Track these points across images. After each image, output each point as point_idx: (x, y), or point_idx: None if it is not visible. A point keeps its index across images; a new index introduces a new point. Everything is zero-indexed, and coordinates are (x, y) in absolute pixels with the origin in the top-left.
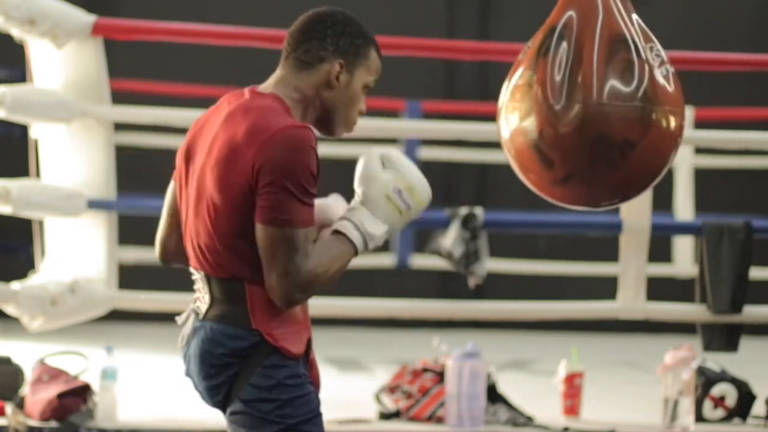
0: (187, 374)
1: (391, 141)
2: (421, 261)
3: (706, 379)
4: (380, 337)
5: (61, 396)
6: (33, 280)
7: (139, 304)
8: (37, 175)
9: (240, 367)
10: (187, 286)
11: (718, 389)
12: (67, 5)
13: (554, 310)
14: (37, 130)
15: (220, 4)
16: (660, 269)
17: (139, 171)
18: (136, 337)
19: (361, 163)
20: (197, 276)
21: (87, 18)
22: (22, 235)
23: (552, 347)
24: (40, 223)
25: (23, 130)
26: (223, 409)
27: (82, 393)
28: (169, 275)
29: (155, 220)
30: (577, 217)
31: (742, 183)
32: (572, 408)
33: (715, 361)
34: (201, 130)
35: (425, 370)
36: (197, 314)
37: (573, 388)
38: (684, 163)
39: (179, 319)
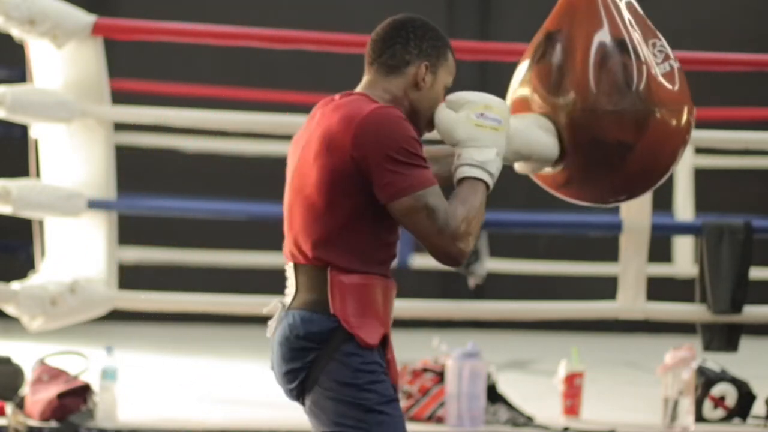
0: (272, 367)
1: None
2: (421, 261)
3: (706, 379)
4: None
5: (61, 396)
6: (33, 280)
7: (139, 304)
8: (37, 175)
9: (317, 354)
10: (187, 286)
11: (718, 389)
12: (67, 5)
13: (554, 310)
14: (37, 130)
15: (220, 4)
16: (660, 269)
17: (139, 171)
18: (136, 337)
19: (437, 122)
20: (287, 268)
21: (87, 18)
22: (22, 235)
23: (552, 347)
24: (40, 223)
25: (23, 130)
26: (298, 399)
27: (82, 393)
28: (170, 275)
29: (155, 220)
30: (577, 217)
31: (742, 183)
32: (572, 408)
33: (715, 361)
34: (299, 139)
35: (425, 370)
36: (284, 306)
37: (573, 388)
38: (684, 163)
39: (266, 310)
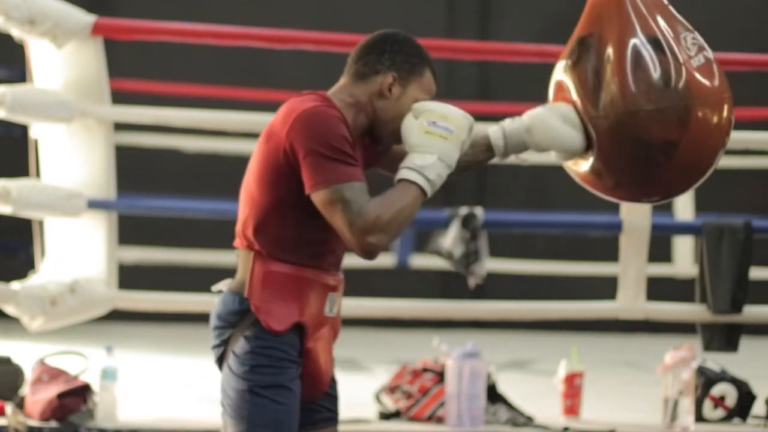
0: None
1: None
2: (421, 261)
3: (706, 379)
4: (380, 337)
5: (61, 396)
6: (33, 280)
7: (139, 304)
8: (37, 175)
9: (231, 333)
10: (186, 286)
11: (718, 389)
12: (67, 5)
13: (554, 310)
14: (37, 130)
15: (220, 4)
16: (660, 269)
17: (139, 171)
18: (136, 337)
19: (401, 127)
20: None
21: (87, 18)
22: (22, 235)
23: (552, 347)
24: (40, 223)
25: (23, 130)
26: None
27: (82, 393)
28: (169, 275)
29: (155, 220)
30: (577, 217)
31: (742, 183)
32: (572, 408)
33: (715, 361)
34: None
35: (425, 370)
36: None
37: (573, 388)
38: None
39: (214, 288)
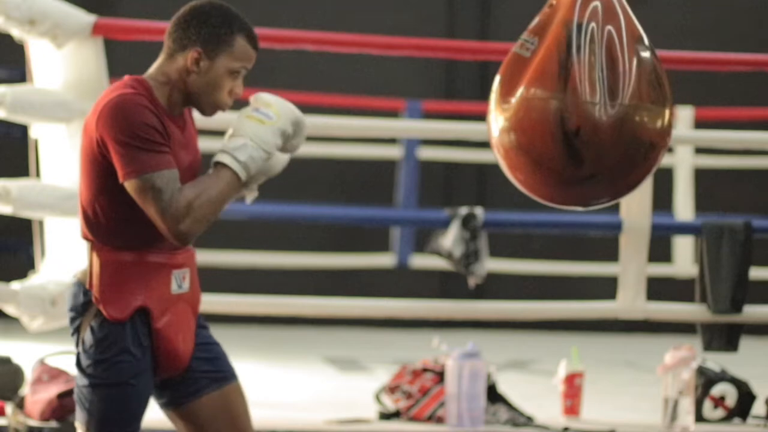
0: None
1: (391, 141)
2: (421, 261)
3: (706, 379)
4: (380, 337)
5: (61, 396)
6: (33, 280)
7: None
8: (37, 175)
9: (80, 323)
10: None
11: (718, 389)
12: (67, 5)
13: (554, 310)
14: (37, 130)
15: None
16: (660, 269)
17: None
18: None
19: None
20: None
21: (87, 18)
22: (22, 235)
23: (552, 347)
24: (40, 223)
25: (23, 130)
26: None
27: None
28: None
29: None
30: (577, 217)
31: (742, 183)
32: (572, 408)
33: (715, 361)
34: None
35: (425, 370)
36: None
37: (573, 388)
38: (684, 163)
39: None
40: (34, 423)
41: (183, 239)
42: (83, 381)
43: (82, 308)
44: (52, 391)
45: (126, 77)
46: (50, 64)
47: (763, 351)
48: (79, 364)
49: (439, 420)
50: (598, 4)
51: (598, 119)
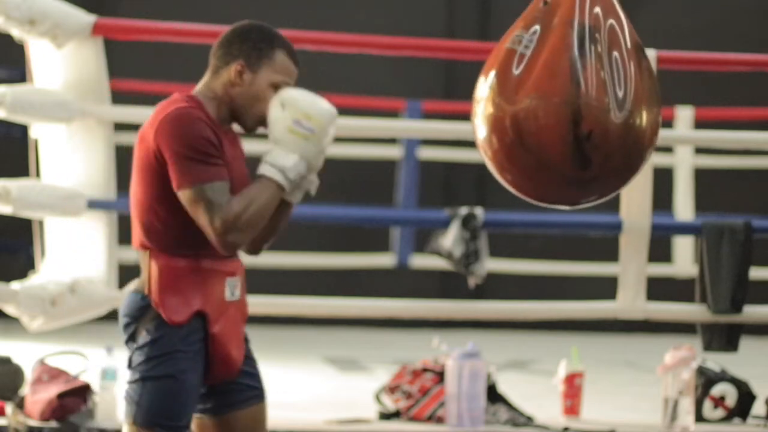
0: None
1: (391, 141)
2: (421, 261)
3: (706, 379)
4: (380, 337)
5: (61, 396)
6: (33, 280)
7: None
8: (37, 175)
9: (134, 329)
10: None
11: (718, 389)
12: (67, 5)
13: (554, 310)
14: (37, 130)
15: (220, 4)
16: (660, 269)
17: None
18: None
19: (269, 115)
20: None
21: (87, 18)
22: (22, 235)
23: (552, 347)
24: (40, 223)
25: (23, 130)
26: None
27: (82, 393)
28: None
29: None
30: (577, 217)
31: (742, 183)
32: (572, 408)
33: (715, 361)
34: None
35: (425, 370)
36: None
37: (573, 388)
38: (684, 163)
39: (125, 290)
40: (34, 423)
41: (230, 249)
42: (134, 377)
43: (138, 312)
44: (52, 391)
45: (175, 93)
46: (50, 64)
47: (763, 351)
48: (130, 363)
49: (439, 420)
50: (598, 4)
51: (609, 123)
